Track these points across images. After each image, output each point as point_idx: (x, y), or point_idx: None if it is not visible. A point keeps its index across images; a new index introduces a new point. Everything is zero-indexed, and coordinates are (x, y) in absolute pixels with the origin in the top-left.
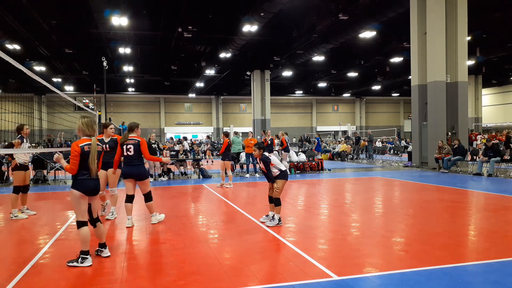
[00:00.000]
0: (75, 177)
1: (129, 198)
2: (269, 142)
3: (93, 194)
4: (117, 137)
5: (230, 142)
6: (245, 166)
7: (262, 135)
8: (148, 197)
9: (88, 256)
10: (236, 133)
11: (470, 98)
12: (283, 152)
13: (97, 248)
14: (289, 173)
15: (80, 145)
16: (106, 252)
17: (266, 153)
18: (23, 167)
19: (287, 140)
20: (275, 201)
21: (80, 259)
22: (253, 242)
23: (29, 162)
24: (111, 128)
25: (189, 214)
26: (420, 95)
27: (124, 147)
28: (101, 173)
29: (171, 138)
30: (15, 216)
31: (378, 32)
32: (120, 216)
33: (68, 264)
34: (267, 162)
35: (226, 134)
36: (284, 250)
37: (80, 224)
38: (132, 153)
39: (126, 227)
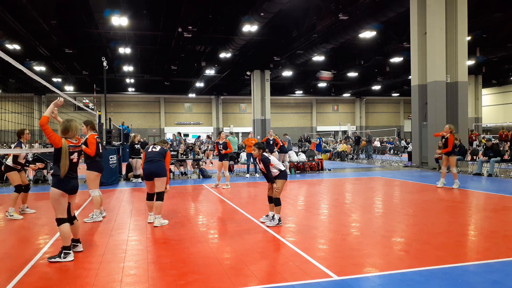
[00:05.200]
0: (56, 175)
1: (150, 196)
2: (271, 142)
3: (73, 193)
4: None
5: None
6: (245, 166)
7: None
8: (160, 197)
9: (70, 251)
10: (231, 133)
11: (470, 98)
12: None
13: (72, 244)
14: (289, 173)
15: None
16: (80, 247)
17: (266, 154)
18: (15, 168)
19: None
20: (275, 201)
21: (62, 254)
22: (253, 242)
23: (26, 165)
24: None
25: (189, 214)
26: (420, 95)
27: (151, 146)
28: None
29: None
30: (10, 216)
31: (378, 32)
32: (119, 217)
33: (50, 260)
34: (266, 162)
35: (226, 135)
36: (284, 250)
37: (61, 221)
38: (157, 149)
39: (148, 222)
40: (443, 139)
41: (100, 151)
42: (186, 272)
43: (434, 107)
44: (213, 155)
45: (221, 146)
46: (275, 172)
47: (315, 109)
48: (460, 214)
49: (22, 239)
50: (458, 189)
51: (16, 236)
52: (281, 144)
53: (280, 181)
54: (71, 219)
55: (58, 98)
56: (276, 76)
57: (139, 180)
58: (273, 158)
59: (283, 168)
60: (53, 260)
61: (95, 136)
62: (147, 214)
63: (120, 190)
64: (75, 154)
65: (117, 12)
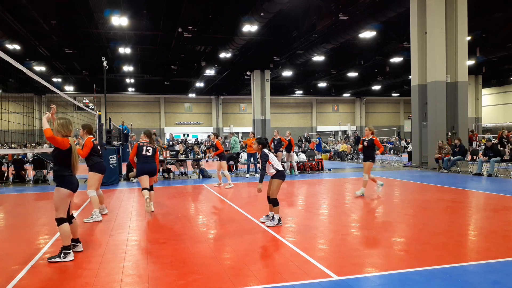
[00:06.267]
0: (63, 175)
1: (146, 188)
2: (275, 142)
3: (75, 192)
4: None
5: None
6: (245, 166)
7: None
8: (151, 188)
9: (70, 251)
10: (232, 133)
11: (470, 98)
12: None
13: (71, 244)
14: (288, 173)
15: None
16: (80, 247)
17: (266, 150)
18: None
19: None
20: (272, 202)
21: (62, 254)
22: (253, 242)
23: None
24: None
25: (189, 214)
26: (420, 95)
27: (144, 148)
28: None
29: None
30: None
31: (378, 32)
32: (119, 217)
33: (50, 260)
34: (264, 159)
35: (217, 135)
36: (284, 250)
37: (61, 221)
38: (150, 154)
39: (148, 211)
40: (365, 142)
41: (100, 152)
42: (186, 272)
43: (434, 107)
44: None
45: (213, 147)
46: (272, 172)
47: (315, 109)
48: (460, 214)
49: (22, 239)
50: (458, 189)
51: (16, 236)
52: (287, 143)
53: (276, 181)
54: (69, 218)
55: (47, 113)
56: (276, 76)
57: None
58: (272, 156)
59: (280, 168)
60: (53, 260)
61: (92, 139)
62: (146, 213)
63: (120, 190)
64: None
65: (117, 12)
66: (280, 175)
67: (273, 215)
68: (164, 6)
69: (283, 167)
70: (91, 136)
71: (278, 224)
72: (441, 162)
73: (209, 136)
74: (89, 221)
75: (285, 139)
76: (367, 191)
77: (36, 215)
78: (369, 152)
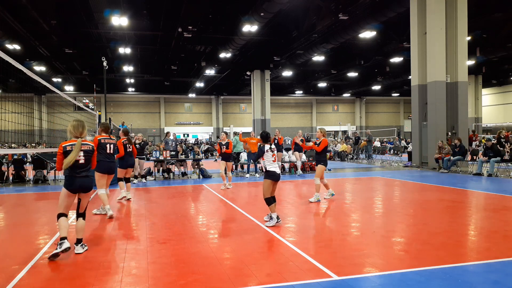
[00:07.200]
0: (65, 176)
1: (125, 179)
2: (276, 141)
3: (81, 192)
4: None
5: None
6: (245, 166)
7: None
8: (129, 179)
9: (65, 241)
10: (236, 133)
11: (470, 98)
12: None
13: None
14: (300, 172)
15: (63, 145)
16: (79, 249)
17: (267, 147)
18: None
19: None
20: (265, 201)
21: (58, 245)
22: (253, 242)
23: None
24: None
25: (189, 214)
26: (420, 95)
27: (127, 145)
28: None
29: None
30: None
31: (378, 32)
32: (119, 217)
33: (50, 259)
34: (259, 154)
35: (227, 134)
36: (284, 250)
37: (59, 215)
38: (130, 149)
39: (120, 198)
40: (316, 144)
41: (108, 151)
42: (186, 272)
43: (434, 107)
44: (214, 155)
45: (224, 146)
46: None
47: (315, 109)
48: (460, 214)
49: (22, 239)
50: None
51: (16, 236)
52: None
53: (265, 181)
54: (78, 216)
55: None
56: (276, 76)
57: (143, 180)
58: (267, 155)
59: (269, 169)
60: (52, 254)
61: (99, 137)
62: (146, 213)
63: (120, 190)
64: (81, 153)
65: (117, 12)
66: (269, 175)
67: (270, 214)
68: (164, 6)
69: (283, 167)
70: (105, 134)
71: (277, 222)
72: (441, 162)
73: (218, 137)
74: (109, 213)
75: (298, 138)
76: (367, 191)
77: (36, 215)
78: (319, 156)
